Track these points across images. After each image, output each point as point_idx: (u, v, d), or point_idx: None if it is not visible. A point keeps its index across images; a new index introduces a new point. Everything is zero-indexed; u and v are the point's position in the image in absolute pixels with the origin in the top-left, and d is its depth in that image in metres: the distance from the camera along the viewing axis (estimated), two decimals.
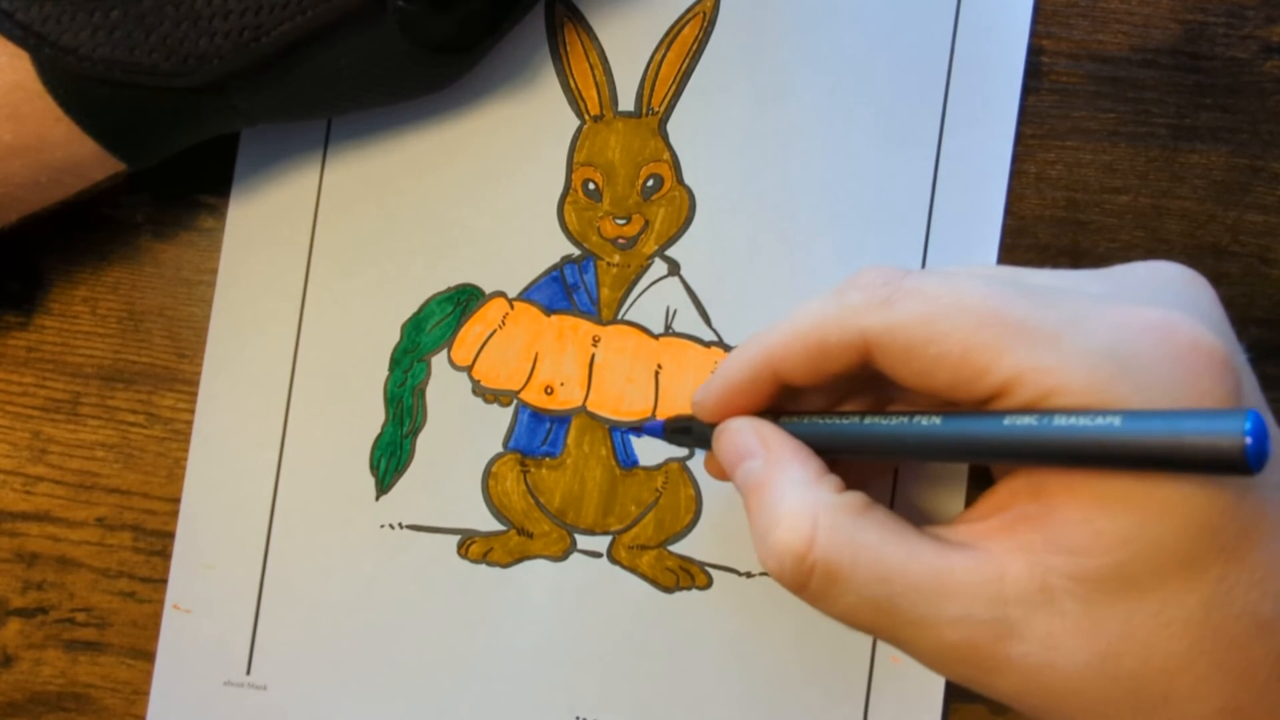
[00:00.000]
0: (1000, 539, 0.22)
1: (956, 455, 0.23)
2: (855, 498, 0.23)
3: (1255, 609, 0.20)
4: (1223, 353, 0.20)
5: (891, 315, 0.22)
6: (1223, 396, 0.20)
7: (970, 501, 0.32)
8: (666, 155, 0.34)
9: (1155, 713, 0.21)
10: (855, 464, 0.28)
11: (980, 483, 0.32)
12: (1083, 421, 0.20)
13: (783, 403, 0.26)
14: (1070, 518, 0.21)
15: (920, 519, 0.24)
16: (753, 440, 0.25)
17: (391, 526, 0.33)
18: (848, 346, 0.23)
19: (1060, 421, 0.20)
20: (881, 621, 0.22)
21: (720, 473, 0.29)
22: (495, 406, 0.33)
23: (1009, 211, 0.33)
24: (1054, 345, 0.20)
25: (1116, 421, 0.19)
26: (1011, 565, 0.21)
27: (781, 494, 0.23)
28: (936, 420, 0.23)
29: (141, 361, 0.34)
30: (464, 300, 0.33)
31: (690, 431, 0.29)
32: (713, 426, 0.27)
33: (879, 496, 0.24)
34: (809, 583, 0.22)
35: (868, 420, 0.24)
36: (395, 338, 0.33)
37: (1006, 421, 0.21)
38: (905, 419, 0.23)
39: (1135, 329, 0.21)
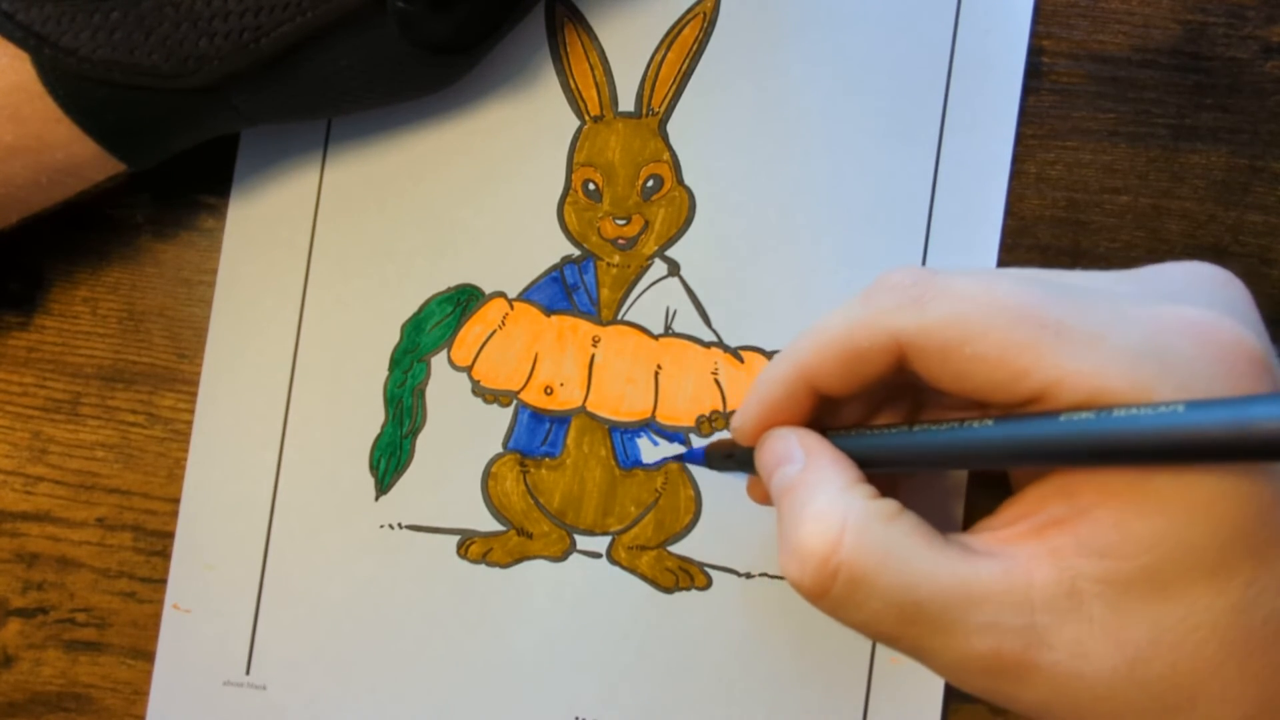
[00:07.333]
0: (1027, 544, 0.21)
1: (1011, 459, 0.22)
2: (887, 504, 0.22)
3: None
4: (1263, 353, 0.20)
5: (924, 315, 0.22)
6: None
7: (969, 508, 0.32)
8: (666, 155, 0.33)
9: (1179, 718, 0.20)
10: (894, 478, 0.27)
11: (981, 490, 0.32)
12: (1145, 413, 0.19)
13: (822, 417, 0.26)
14: (1103, 520, 0.20)
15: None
16: (794, 446, 0.24)
17: (391, 527, 0.33)
18: (880, 350, 0.23)
19: (1120, 414, 0.19)
20: (905, 631, 0.21)
21: (764, 497, 0.28)
22: (495, 407, 0.33)
23: (1009, 211, 0.33)
24: (1096, 346, 0.20)
25: (1180, 409, 0.18)
26: (1039, 570, 0.21)
27: (812, 496, 0.22)
28: (989, 424, 0.22)
29: (141, 361, 0.34)
30: (464, 300, 0.33)
31: (733, 456, 0.28)
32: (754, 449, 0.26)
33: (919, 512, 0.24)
34: (831, 587, 0.21)
35: (916, 429, 0.23)
36: (395, 338, 0.33)
37: (1063, 419, 0.20)
38: (955, 425, 0.22)
39: (1176, 329, 0.20)
